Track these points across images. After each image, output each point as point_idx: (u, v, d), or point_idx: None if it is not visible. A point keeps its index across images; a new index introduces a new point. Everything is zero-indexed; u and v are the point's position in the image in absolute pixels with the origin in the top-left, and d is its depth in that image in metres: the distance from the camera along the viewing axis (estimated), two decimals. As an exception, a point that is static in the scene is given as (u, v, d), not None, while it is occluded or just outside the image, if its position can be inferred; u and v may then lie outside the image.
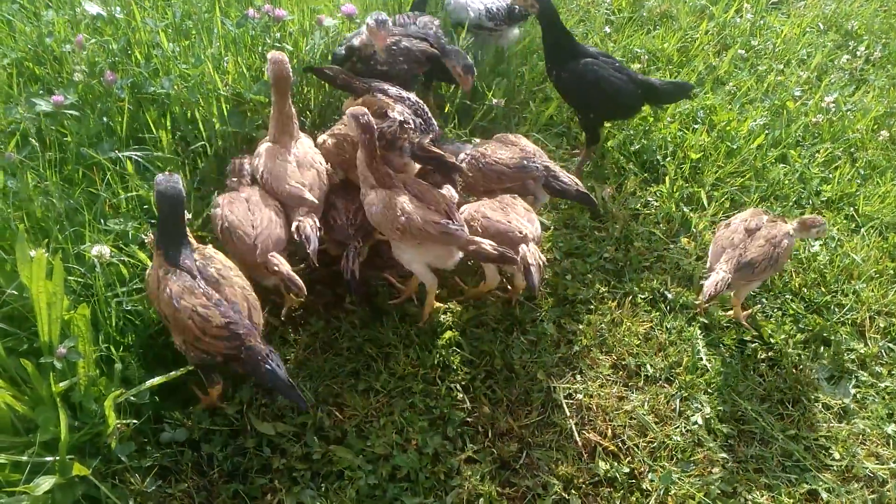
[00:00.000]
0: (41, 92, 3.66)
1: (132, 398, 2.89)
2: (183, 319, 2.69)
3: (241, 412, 3.03)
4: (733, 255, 3.36)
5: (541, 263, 3.19)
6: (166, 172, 2.86)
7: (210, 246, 2.98)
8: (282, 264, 3.05)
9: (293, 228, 3.16)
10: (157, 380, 2.83)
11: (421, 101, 3.51)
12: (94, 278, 2.95)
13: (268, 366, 2.72)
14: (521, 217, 3.32)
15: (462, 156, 3.65)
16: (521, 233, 3.22)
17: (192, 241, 2.90)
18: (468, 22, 4.44)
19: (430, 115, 3.49)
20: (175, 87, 3.58)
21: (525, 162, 3.55)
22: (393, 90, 3.52)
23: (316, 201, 3.22)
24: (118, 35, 3.77)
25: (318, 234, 3.18)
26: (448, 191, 3.22)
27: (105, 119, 3.60)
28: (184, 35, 3.85)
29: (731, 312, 3.62)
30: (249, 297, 2.88)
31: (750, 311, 3.67)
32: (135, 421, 2.87)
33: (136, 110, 3.64)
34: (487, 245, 3.11)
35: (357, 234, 3.34)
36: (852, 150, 4.72)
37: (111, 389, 2.80)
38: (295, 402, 2.84)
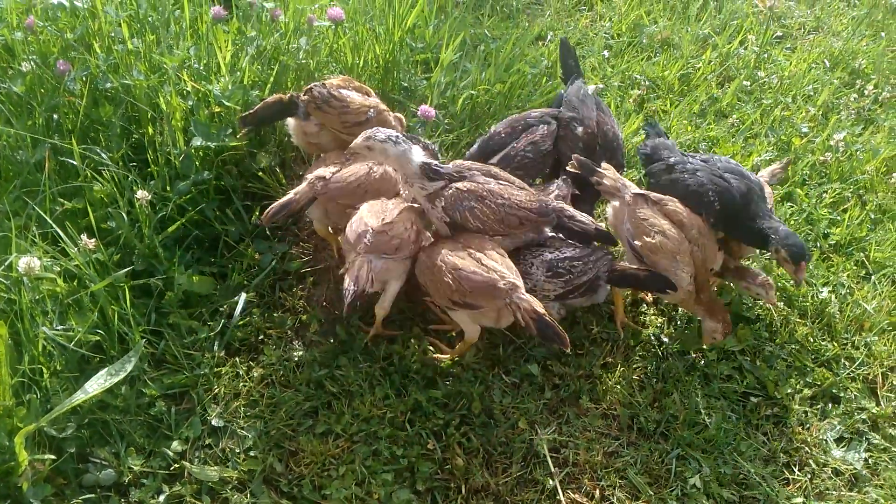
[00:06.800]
0: (-12, 82, 3.32)
1: (52, 432, 2.51)
2: None
3: (183, 453, 2.67)
4: None
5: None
6: None
7: None
8: None
9: None
10: (84, 396, 2.46)
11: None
12: (18, 293, 2.58)
13: None
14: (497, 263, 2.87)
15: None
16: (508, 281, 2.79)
17: None
18: None
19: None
20: (137, 83, 3.24)
21: (544, 205, 3.10)
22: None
23: None
24: (76, 24, 3.43)
25: None
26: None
27: (55, 116, 3.25)
28: (150, 28, 3.51)
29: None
30: None
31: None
32: (53, 457, 2.49)
33: (90, 106, 3.29)
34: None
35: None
36: (861, 191, 4.44)
37: (29, 421, 2.43)
38: None
